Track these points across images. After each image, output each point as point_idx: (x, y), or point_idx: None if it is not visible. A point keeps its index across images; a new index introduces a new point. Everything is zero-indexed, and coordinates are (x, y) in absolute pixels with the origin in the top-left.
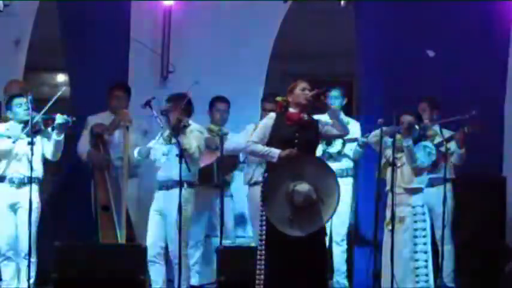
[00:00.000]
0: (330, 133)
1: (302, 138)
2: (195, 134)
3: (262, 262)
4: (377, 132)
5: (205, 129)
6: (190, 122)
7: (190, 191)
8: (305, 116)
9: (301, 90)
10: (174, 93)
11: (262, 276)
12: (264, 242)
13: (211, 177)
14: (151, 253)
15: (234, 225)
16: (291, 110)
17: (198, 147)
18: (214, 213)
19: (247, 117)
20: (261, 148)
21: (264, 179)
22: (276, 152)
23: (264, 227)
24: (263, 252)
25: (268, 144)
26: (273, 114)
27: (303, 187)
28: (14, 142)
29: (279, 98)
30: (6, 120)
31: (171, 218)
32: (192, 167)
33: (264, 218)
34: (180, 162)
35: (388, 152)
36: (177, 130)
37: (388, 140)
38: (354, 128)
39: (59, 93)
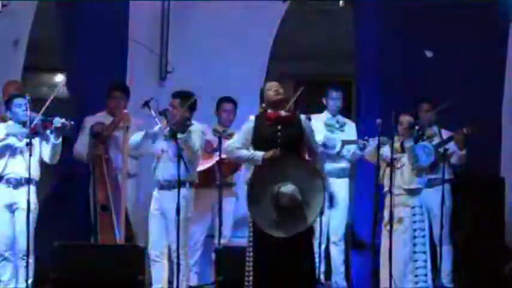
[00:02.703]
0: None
1: (284, 136)
2: (197, 134)
3: (251, 263)
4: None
5: (208, 129)
6: (193, 121)
7: (192, 191)
8: (283, 113)
9: (269, 90)
10: (180, 90)
11: (251, 278)
12: (252, 243)
13: (213, 178)
14: (155, 252)
15: (231, 225)
16: (270, 110)
17: (200, 146)
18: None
19: (246, 118)
20: (245, 153)
21: (249, 182)
22: (259, 154)
23: (252, 228)
24: (251, 253)
25: (253, 146)
26: (252, 117)
27: (288, 188)
28: (27, 144)
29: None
30: (5, 120)
31: (173, 218)
32: (192, 166)
33: (252, 219)
34: (179, 162)
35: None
36: (182, 128)
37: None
38: (351, 129)
39: (55, 93)
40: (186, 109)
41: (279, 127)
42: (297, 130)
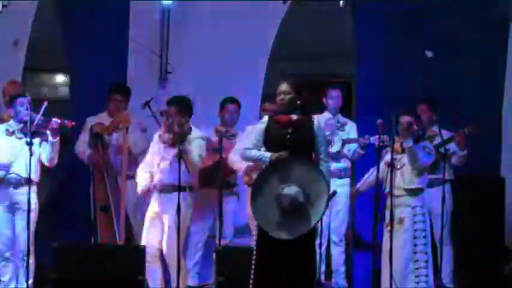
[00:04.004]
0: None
1: (293, 139)
2: (196, 142)
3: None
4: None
5: (209, 131)
6: (192, 128)
7: (192, 196)
8: (294, 117)
9: (277, 96)
10: (175, 95)
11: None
12: (255, 243)
13: (214, 179)
14: (149, 254)
15: (234, 226)
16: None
17: (200, 157)
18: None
19: (246, 118)
20: (254, 153)
21: (253, 182)
22: (267, 155)
23: (257, 228)
24: (255, 253)
25: (265, 147)
26: (265, 119)
27: (290, 190)
28: (27, 144)
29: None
30: (5, 120)
31: (170, 222)
32: (192, 171)
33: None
34: (179, 164)
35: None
36: (181, 139)
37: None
38: (351, 129)
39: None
40: (186, 120)
41: (290, 130)
42: (308, 134)
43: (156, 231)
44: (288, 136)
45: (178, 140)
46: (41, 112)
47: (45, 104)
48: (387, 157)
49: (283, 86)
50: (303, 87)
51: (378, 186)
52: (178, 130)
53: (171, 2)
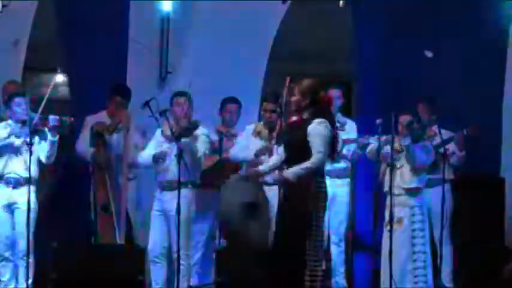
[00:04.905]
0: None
1: (288, 141)
2: (202, 139)
3: None
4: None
5: (210, 131)
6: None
7: (194, 192)
8: (293, 119)
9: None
10: (180, 90)
11: None
12: None
13: (214, 179)
14: (154, 253)
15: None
16: None
17: (203, 154)
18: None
19: (246, 118)
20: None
21: None
22: None
23: None
24: None
25: None
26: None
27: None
28: (27, 144)
29: None
30: (5, 120)
31: (174, 219)
32: (194, 167)
33: None
34: (179, 163)
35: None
36: (187, 132)
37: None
38: (351, 128)
39: (50, 92)
40: (191, 112)
41: (289, 131)
42: (300, 137)
43: (162, 229)
44: (286, 137)
45: (185, 133)
46: (40, 109)
47: (52, 84)
48: (386, 148)
49: (294, 89)
50: (320, 87)
51: (378, 186)
52: (187, 124)
53: (171, 2)
